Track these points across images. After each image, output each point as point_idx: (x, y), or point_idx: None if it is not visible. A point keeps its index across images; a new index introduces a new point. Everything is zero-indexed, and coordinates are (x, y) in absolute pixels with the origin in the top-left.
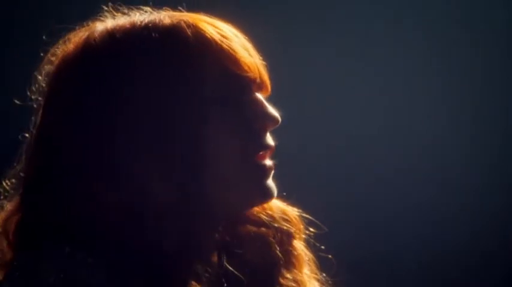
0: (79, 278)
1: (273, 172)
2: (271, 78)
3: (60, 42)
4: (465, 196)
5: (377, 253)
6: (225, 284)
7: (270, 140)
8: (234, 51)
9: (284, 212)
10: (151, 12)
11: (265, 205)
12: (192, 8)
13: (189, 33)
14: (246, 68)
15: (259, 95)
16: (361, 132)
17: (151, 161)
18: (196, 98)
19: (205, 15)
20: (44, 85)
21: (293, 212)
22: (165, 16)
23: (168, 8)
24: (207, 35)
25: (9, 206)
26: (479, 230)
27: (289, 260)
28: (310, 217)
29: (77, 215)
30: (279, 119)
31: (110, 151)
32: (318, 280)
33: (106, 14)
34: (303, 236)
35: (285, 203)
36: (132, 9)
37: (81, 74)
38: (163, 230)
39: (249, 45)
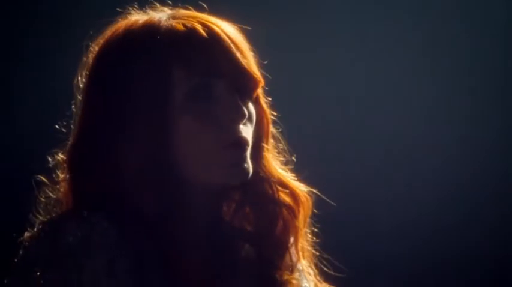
0: (92, 238)
1: (242, 159)
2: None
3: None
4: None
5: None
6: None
7: (237, 132)
8: (206, 51)
9: (294, 190)
10: (148, 12)
11: (278, 180)
12: (200, 6)
13: (162, 31)
14: (215, 67)
15: (231, 92)
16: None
17: (132, 137)
18: (163, 90)
19: (207, 13)
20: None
21: (303, 191)
22: (153, 16)
23: (180, 7)
24: (179, 35)
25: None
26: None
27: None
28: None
29: (91, 186)
30: (246, 114)
31: (107, 132)
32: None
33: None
34: (309, 212)
35: (298, 182)
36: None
37: (95, 67)
38: (143, 196)
39: (238, 44)
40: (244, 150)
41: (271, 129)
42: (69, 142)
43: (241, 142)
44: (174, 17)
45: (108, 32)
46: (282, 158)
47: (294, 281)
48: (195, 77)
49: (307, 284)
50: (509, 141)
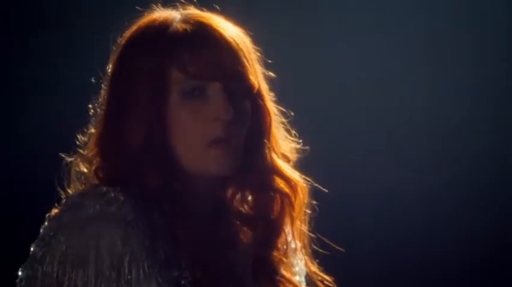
0: (110, 210)
1: (225, 152)
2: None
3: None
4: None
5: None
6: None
7: (219, 130)
8: (204, 57)
9: (292, 181)
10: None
11: (278, 172)
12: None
13: (168, 34)
14: (211, 73)
15: (223, 93)
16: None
17: (133, 125)
18: (161, 88)
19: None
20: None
21: (299, 180)
22: (167, 17)
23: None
24: (181, 40)
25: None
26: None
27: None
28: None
29: (108, 167)
30: (231, 115)
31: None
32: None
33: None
34: (304, 200)
35: (295, 173)
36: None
37: (113, 61)
38: (148, 175)
39: (237, 49)
40: (223, 147)
41: (273, 125)
42: (92, 128)
43: (223, 139)
44: (183, 20)
45: (132, 28)
46: (286, 149)
47: (286, 260)
48: (191, 79)
49: (300, 262)
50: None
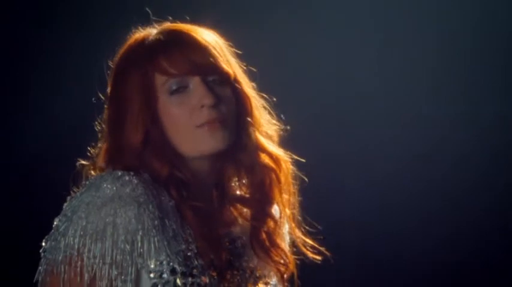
0: (125, 191)
1: (214, 129)
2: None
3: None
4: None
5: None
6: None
7: (206, 114)
8: (179, 62)
9: (275, 156)
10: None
11: (263, 150)
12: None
13: (146, 46)
14: (187, 69)
15: (203, 84)
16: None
17: (132, 130)
18: (145, 101)
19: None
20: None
21: (282, 155)
22: (146, 34)
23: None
24: (158, 49)
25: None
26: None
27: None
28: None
29: (123, 154)
30: (214, 100)
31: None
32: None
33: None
34: (289, 173)
35: (278, 149)
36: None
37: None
38: (153, 164)
39: (209, 45)
40: (214, 125)
41: (254, 107)
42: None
43: (210, 121)
44: (158, 32)
45: (120, 51)
46: (270, 131)
47: (279, 231)
48: (172, 79)
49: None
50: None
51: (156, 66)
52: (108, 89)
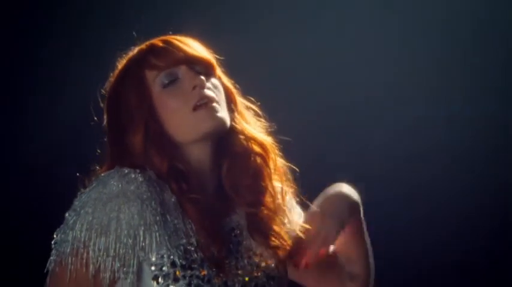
0: (130, 188)
1: (212, 110)
2: None
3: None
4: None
5: None
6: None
7: (200, 94)
8: (166, 58)
9: (261, 141)
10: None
11: (246, 136)
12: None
13: (135, 53)
14: (173, 60)
15: (191, 71)
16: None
17: (131, 130)
18: (140, 97)
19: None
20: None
21: (268, 141)
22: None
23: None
24: (144, 52)
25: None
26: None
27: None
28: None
29: (128, 152)
30: (203, 80)
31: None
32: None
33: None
34: (276, 157)
35: (265, 135)
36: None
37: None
38: (154, 159)
39: (190, 43)
40: (209, 105)
41: (238, 100)
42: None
43: (205, 99)
44: (147, 43)
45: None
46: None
47: (275, 217)
48: (161, 72)
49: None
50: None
51: (145, 64)
52: (107, 95)
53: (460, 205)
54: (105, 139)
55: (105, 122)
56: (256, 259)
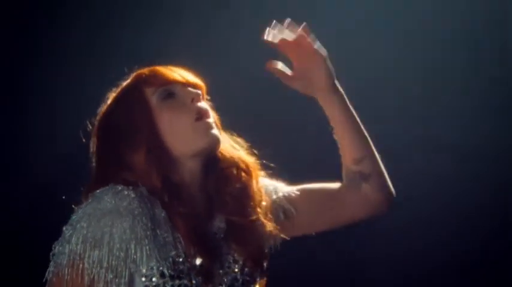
0: (122, 204)
1: (210, 126)
2: None
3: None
4: None
5: None
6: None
7: (198, 107)
8: (163, 76)
9: (244, 160)
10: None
11: (232, 155)
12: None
13: (133, 77)
14: (169, 79)
15: (187, 88)
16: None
17: (131, 148)
18: (141, 111)
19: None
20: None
21: (251, 160)
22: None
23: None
24: (143, 73)
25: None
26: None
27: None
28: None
29: (122, 172)
30: (200, 93)
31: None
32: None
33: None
34: (258, 173)
35: (246, 155)
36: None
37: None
38: (151, 175)
39: (182, 69)
40: (207, 121)
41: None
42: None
43: (203, 112)
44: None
45: (115, 90)
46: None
47: (254, 224)
48: (159, 88)
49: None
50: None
51: (144, 81)
52: (102, 116)
53: (460, 205)
54: (96, 159)
55: (95, 144)
56: (234, 263)
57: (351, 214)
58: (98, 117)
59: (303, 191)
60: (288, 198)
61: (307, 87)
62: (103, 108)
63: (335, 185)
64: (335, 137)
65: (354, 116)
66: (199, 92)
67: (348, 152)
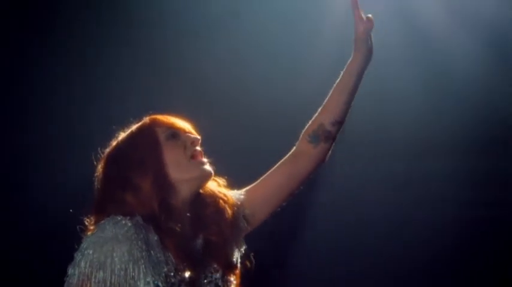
0: (121, 232)
1: (205, 163)
2: None
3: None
4: None
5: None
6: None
7: (196, 149)
8: (171, 122)
9: (224, 192)
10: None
11: (213, 189)
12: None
13: (146, 121)
14: (175, 125)
15: (188, 134)
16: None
17: (140, 172)
18: (152, 144)
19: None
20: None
21: (229, 192)
22: (141, 121)
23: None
24: (155, 118)
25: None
26: None
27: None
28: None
29: (123, 205)
30: (199, 138)
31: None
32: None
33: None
34: (233, 203)
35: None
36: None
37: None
38: (152, 204)
39: (183, 121)
40: (201, 159)
41: None
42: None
43: (199, 152)
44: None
45: (121, 133)
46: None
47: (227, 243)
48: (167, 130)
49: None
50: None
51: (156, 123)
52: (114, 151)
53: (460, 205)
54: (103, 182)
55: (104, 169)
56: (216, 272)
57: (302, 173)
58: (111, 148)
59: (253, 189)
60: (243, 203)
61: (356, 39)
62: (115, 141)
63: (283, 160)
64: (332, 91)
65: (357, 86)
66: (199, 138)
67: (332, 110)
